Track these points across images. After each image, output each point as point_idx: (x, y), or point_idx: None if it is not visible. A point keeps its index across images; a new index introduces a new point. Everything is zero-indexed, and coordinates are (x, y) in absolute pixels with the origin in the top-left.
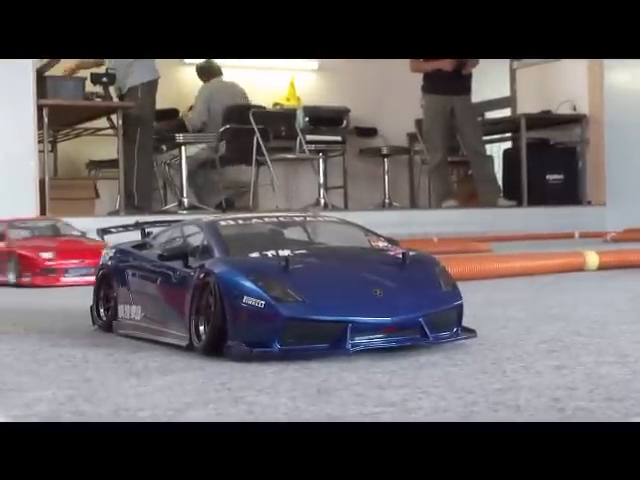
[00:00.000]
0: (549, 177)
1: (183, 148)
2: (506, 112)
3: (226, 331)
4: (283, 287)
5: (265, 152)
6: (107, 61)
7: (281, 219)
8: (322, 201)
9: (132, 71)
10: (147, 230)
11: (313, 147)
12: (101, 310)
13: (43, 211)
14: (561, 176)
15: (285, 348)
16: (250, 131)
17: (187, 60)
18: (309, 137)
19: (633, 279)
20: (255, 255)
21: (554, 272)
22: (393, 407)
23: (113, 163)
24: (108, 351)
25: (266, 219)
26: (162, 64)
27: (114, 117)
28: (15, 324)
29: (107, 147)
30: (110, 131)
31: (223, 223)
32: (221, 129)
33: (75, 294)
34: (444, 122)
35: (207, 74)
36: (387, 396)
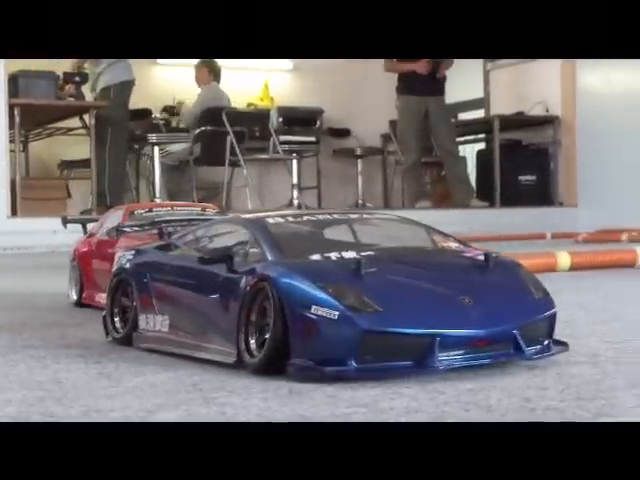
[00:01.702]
0: (522, 178)
1: (156, 148)
2: (479, 113)
3: (287, 346)
4: (358, 294)
5: (239, 153)
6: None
7: (335, 216)
8: (296, 202)
9: (105, 72)
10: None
11: (287, 147)
12: (116, 321)
13: (14, 211)
14: (533, 177)
15: (362, 367)
16: (224, 132)
17: (160, 60)
18: (283, 138)
19: (604, 279)
20: (316, 257)
21: None
22: (365, 408)
23: (85, 163)
24: (79, 352)
25: (319, 216)
26: (135, 64)
27: (86, 117)
28: None
29: (79, 147)
30: (82, 131)
31: (271, 220)
32: (196, 131)
33: (45, 281)
34: (418, 123)
35: (209, 71)
36: (359, 397)
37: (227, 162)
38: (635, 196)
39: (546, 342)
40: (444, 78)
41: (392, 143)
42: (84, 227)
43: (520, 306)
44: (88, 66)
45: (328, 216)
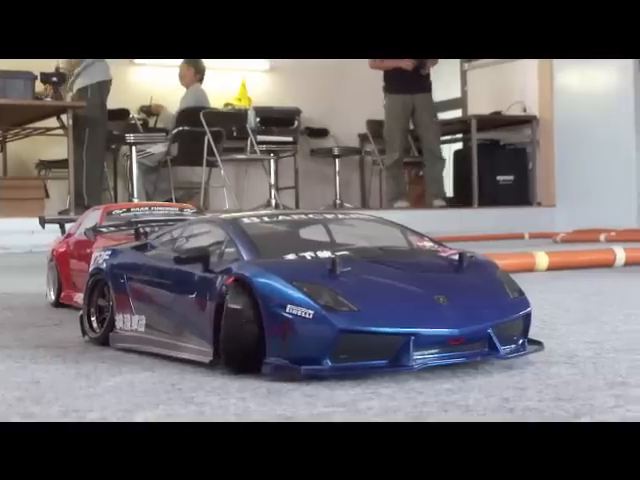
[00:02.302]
0: (499, 178)
1: (134, 148)
2: (457, 113)
3: (262, 345)
4: (333, 294)
5: (216, 153)
6: (61, 61)
7: (311, 216)
8: (273, 202)
9: (83, 72)
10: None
11: (264, 147)
12: (93, 320)
13: None
14: (511, 177)
15: (338, 366)
16: (201, 132)
17: (137, 61)
18: (260, 137)
19: (582, 280)
20: (292, 257)
21: None
22: (343, 407)
23: (63, 163)
24: (57, 352)
25: (294, 216)
26: (112, 64)
27: (64, 117)
28: None
29: (57, 147)
30: (60, 131)
31: (246, 221)
32: (174, 131)
33: (23, 281)
34: (404, 121)
35: (195, 72)
36: (337, 396)
37: (205, 162)
38: (613, 196)
39: (521, 341)
40: (428, 75)
41: (370, 143)
42: (62, 227)
43: (495, 305)
44: (64, 66)
45: (303, 216)
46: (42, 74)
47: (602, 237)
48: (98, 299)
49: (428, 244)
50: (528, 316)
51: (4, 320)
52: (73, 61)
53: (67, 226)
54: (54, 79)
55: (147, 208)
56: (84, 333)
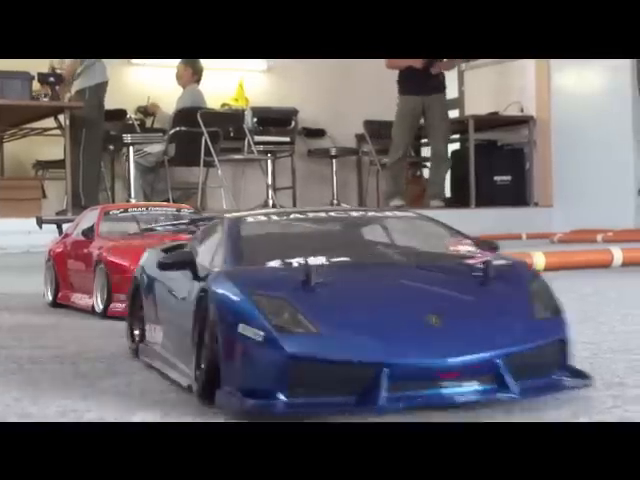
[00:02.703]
0: (497, 178)
1: (131, 148)
2: (454, 114)
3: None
4: (293, 311)
5: (213, 153)
6: (55, 61)
7: (332, 214)
8: (270, 202)
9: (82, 74)
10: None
11: (261, 148)
12: (135, 331)
13: None
14: (509, 177)
15: (292, 402)
16: (199, 133)
17: (134, 61)
18: (257, 138)
19: (579, 280)
20: (274, 264)
21: None
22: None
23: (60, 163)
24: (55, 352)
25: (310, 215)
26: (108, 64)
27: (61, 117)
28: None
29: (54, 147)
30: (57, 131)
31: (250, 219)
32: (171, 131)
33: (20, 282)
34: (412, 122)
35: (193, 72)
36: None
37: (202, 162)
38: (610, 196)
39: (556, 375)
40: (442, 75)
41: (367, 143)
42: (59, 228)
43: (509, 328)
44: (64, 68)
45: (323, 214)
46: (39, 74)
47: (599, 237)
48: (138, 305)
49: (464, 248)
50: (564, 342)
51: (1, 320)
52: (73, 65)
53: (64, 226)
54: (51, 79)
55: (145, 208)
56: (127, 341)
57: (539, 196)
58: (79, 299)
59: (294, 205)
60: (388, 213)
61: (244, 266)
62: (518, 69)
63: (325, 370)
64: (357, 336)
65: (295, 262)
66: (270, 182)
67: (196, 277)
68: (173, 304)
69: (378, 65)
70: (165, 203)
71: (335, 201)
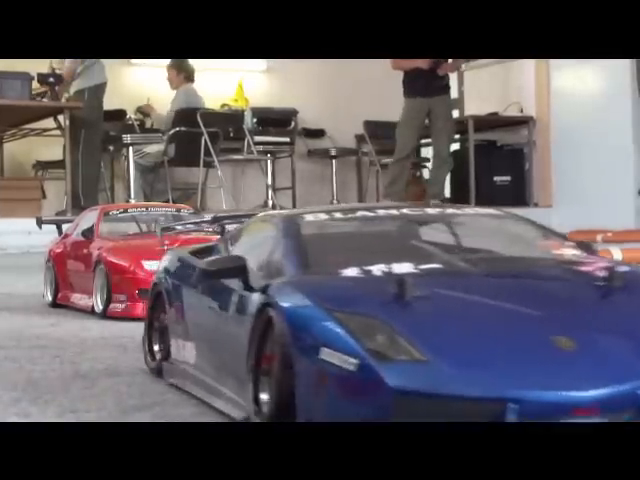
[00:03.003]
0: (497, 178)
1: (131, 149)
2: (454, 114)
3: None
4: (390, 333)
5: (213, 154)
6: (55, 61)
7: (404, 211)
8: (270, 202)
9: (82, 74)
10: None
11: (261, 148)
12: (155, 346)
13: None
14: (508, 177)
15: None
16: (198, 133)
17: (133, 61)
18: (257, 138)
19: None
20: (351, 273)
21: None
22: None
23: (60, 164)
24: (54, 352)
25: (379, 211)
26: (108, 65)
27: (61, 118)
28: None
29: (54, 148)
30: (57, 132)
31: (309, 218)
32: (170, 132)
33: (20, 282)
34: (418, 123)
35: (184, 75)
36: None
37: (202, 163)
38: (610, 197)
39: None
40: (447, 76)
41: (367, 144)
42: (59, 228)
43: None
44: (62, 69)
45: (394, 211)
46: (39, 75)
47: (599, 238)
48: (160, 317)
49: (570, 252)
50: None
51: (1, 320)
52: (72, 65)
53: (64, 227)
54: (51, 80)
55: (144, 209)
56: (145, 359)
57: (539, 196)
58: (79, 299)
59: (294, 206)
60: (468, 210)
61: (312, 274)
62: (518, 70)
63: (437, 406)
64: (474, 365)
65: (376, 270)
66: (270, 182)
67: (248, 287)
68: (213, 318)
69: (378, 66)
70: (164, 204)
71: (335, 201)
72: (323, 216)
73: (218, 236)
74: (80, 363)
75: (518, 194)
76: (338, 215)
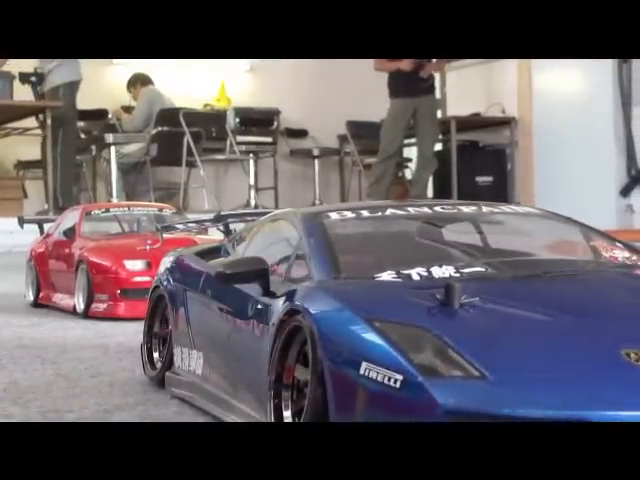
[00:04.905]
0: (479, 179)
1: (112, 148)
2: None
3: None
4: (440, 346)
5: (196, 153)
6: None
7: (437, 209)
8: (252, 202)
9: (54, 71)
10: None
11: (244, 148)
12: (155, 353)
13: None
14: (490, 178)
15: None
16: (181, 133)
17: (115, 60)
18: (240, 138)
19: None
20: (387, 277)
21: None
22: None
23: (41, 163)
24: (36, 352)
25: (410, 210)
26: (90, 64)
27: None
28: None
29: (36, 147)
30: (39, 131)
31: (335, 217)
32: (153, 131)
33: (1, 281)
34: (404, 124)
35: (140, 83)
36: None
37: (184, 162)
38: (592, 197)
39: None
40: (432, 77)
41: (349, 144)
42: (41, 227)
43: None
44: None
45: (426, 209)
46: (21, 74)
47: None
48: (161, 322)
49: (621, 254)
50: None
51: None
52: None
53: (46, 226)
54: (32, 79)
55: (126, 208)
56: (144, 369)
57: (521, 197)
58: (60, 299)
59: (276, 206)
60: (506, 208)
61: (344, 279)
62: (500, 70)
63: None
64: (538, 383)
65: (415, 274)
66: (252, 182)
67: (268, 292)
68: (225, 326)
69: (361, 66)
70: (147, 203)
71: (317, 201)
72: (349, 214)
73: (206, 236)
74: (62, 363)
75: (500, 194)
76: (365, 213)
